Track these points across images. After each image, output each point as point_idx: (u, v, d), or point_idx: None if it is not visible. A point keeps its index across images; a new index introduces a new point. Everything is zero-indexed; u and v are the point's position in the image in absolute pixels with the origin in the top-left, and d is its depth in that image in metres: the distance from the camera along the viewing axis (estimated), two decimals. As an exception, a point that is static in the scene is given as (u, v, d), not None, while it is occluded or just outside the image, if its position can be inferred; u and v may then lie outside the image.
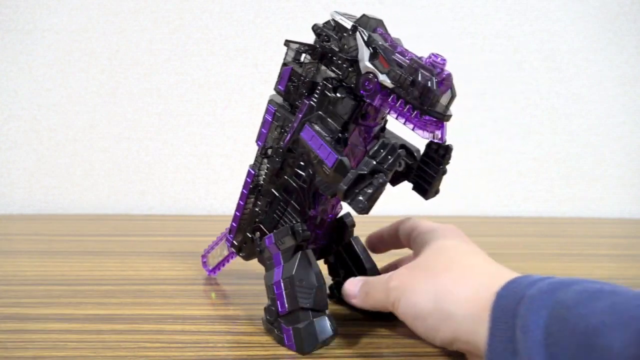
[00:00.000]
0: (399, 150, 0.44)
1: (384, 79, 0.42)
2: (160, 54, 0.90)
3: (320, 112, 0.46)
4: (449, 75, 0.41)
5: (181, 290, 0.59)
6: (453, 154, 0.49)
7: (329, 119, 0.46)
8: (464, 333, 0.39)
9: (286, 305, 0.47)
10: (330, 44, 0.46)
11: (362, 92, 0.43)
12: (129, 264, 0.67)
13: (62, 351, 0.46)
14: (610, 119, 0.97)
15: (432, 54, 0.41)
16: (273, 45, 0.88)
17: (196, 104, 0.91)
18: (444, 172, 0.49)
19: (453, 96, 0.42)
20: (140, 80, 0.90)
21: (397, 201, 0.80)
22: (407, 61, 0.41)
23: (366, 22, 0.44)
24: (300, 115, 0.48)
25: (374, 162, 0.43)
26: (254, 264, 0.54)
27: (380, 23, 0.45)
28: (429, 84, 0.40)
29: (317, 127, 0.46)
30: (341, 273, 0.55)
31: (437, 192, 0.50)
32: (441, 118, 0.41)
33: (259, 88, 0.90)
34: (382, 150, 0.44)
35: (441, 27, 0.92)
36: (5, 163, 0.91)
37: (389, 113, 0.43)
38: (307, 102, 0.47)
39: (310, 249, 0.50)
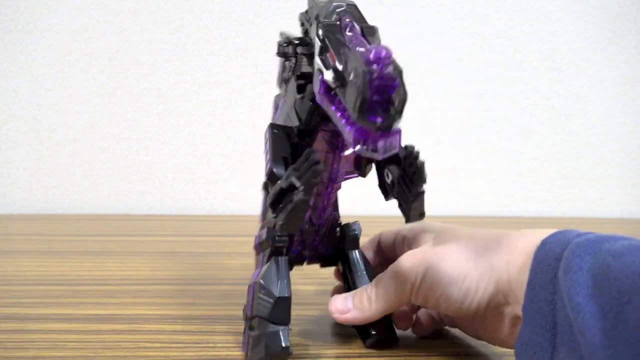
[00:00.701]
0: (317, 166, 0.35)
1: (327, 76, 0.34)
2: (160, 54, 0.90)
3: (287, 113, 0.43)
4: (390, 74, 0.30)
5: (181, 290, 0.59)
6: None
7: (291, 120, 0.42)
8: (506, 283, 0.37)
9: (250, 310, 0.45)
10: (307, 36, 0.41)
11: (314, 91, 0.36)
12: (129, 264, 0.67)
13: (62, 351, 0.46)
14: (610, 119, 0.97)
15: (377, 47, 0.30)
16: (273, 45, 0.88)
17: (196, 104, 0.91)
18: (421, 193, 0.39)
19: (401, 99, 0.31)
20: (140, 80, 0.90)
21: (395, 202, 0.80)
22: (349, 55, 0.33)
23: (328, 9, 0.37)
24: (273, 114, 0.46)
25: (294, 176, 0.37)
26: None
27: (351, 9, 0.38)
28: (358, 84, 0.30)
29: (275, 129, 0.42)
30: (345, 286, 0.51)
31: (421, 214, 0.40)
32: (373, 127, 0.31)
33: (259, 88, 0.90)
34: (304, 163, 0.36)
35: (441, 27, 0.92)
36: (5, 163, 0.91)
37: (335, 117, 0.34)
38: (283, 100, 0.45)
39: (286, 256, 0.45)
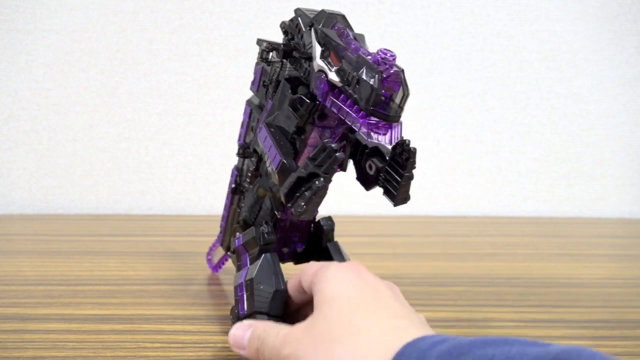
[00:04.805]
0: (337, 154, 0.40)
1: (333, 76, 0.39)
2: (160, 54, 0.90)
3: (278, 113, 0.45)
4: (397, 72, 0.37)
5: (181, 290, 0.59)
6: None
7: (286, 119, 0.44)
8: None
9: (245, 308, 0.46)
10: (294, 41, 0.44)
11: (315, 90, 0.41)
12: (129, 264, 0.67)
13: (62, 351, 0.46)
14: (610, 119, 0.97)
15: (381, 50, 0.37)
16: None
17: (196, 104, 0.91)
18: (410, 177, 0.44)
19: (405, 95, 0.38)
20: (140, 80, 0.90)
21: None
22: (355, 57, 0.38)
23: (322, 18, 0.41)
24: (263, 115, 0.47)
25: (313, 165, 0.41)
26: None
27: (340, 19, 0.42)
28: (372, 82, 0.37)
29: (272, 128, 0.44)
30: None
31: (406, 198, 0.45)
32: (384, 118, 0.38)
33: (259, 88, 0.90)
34: (321, 153, 0.41)
35: (441, 27, 0.92)
36: (5, 163, 0.91)
37: (338, 113, 0.40)
38: (271, 102, 0.46)
39: (275, 252, 0.48)
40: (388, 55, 0.37)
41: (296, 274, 0.46)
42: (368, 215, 0.93)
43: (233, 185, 0.53)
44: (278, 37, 0.49)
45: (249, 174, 0.52)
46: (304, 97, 0.42)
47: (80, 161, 0.92)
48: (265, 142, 0.44)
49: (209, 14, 0.89)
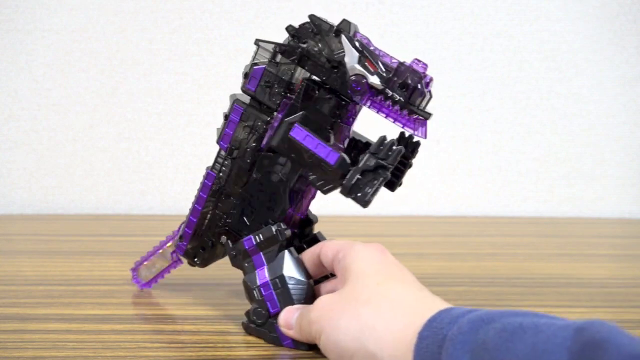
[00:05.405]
0: (399, 147, 0.46)
1: (374, 80, 0.45)
2: (160, 54, 0.90)
3: (305, 112, 0.47)
4: (432, 79, 0.46)
5: (181, 290, 0.59)
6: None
7: (315, 119, 0.47)
8: None
9: (278, 304, 0.47)
10: (307, 45, 0.47)
11: (350, 93, 0.46)
12: (129, 264, 0.67)
13: (62, 351, 0.46)
14: (610, 119, 0.97)
15: (415, 59, 0.45)
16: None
17: (196, 104, 0.91)
18: (410, 165, 0.51)
19: (431, 97, 0.47)
20: (140, 80, 0.90)
21: (395, 202, 0.80)
22: (394, 65, 0.46)
23: (347, 26, 0.47)
24: (280, 115, 0.49)
25: (377, 158, 0.45)
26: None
27: (357, 28, 0.48)
28: (419, 86, 0.45)
29: (308, 127, 0.47)
30: None
31: (401, 184, 0.51)
32: (426, 116, 0.46)
33: (259, 88, 0.90)
34: (382, 147, 0.45)
35: (441, 27, 0.92)
36: (5, 163, 0.91)
37: (377, 112, 0.47)
38: (288, 102, 0.48)
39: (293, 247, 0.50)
40: (420, 64, 0.45)
41: (309, 250, 0.49)
42: (368, 215, 0.93)
43: (214, 189, 0.51)
44: (278, 38, 0.49)
45: (236, 176, 0.50)
46: (335, 97, 0.47)
47: (80, 161, 0.92)
48: (306, 141, 0.47)
49: (209, 14, 0.89)
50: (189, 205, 0.54)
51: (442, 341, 0.35)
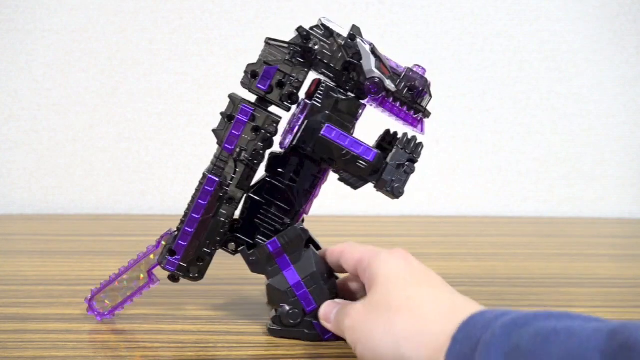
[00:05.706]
0: (421, 141, 0.49)
1: (389, 83, 0.48)
2: (160, 54, 0.90)
3: (328, 112, 0.49)
4: (430, 82, 0.50)
5: (181, 290, 0.59)
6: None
7: (338, 118, 0.49)
8: None
9: (314, 302, 0.48)
10: (321, 47, 0.48)
11: (367, 94, 0.49)
12: (129, 264, 0.67)
13: (62, 351, 0.46)
14: (610, 119, 0.97)
15: (416, 65, 0.49)
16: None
17: (196, 104, 0.91)
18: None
19: (431, 98, 0.51)
20: (140, 80, 0.90)
21: (395, 202, 0.80)
22: (402, 70, 0.49)
23: (359, 31, 0.49)
24: (301, 116, 0.49)
25: (407, 154, 0.49)
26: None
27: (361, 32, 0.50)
28: (425, 89, 0.49)
29: (337, 126, 0.49)
30: None
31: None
32: (428, 115, 0.51)
33: (259, 88, 0.90)
34: (409, 143, 0.49)
35: (441, 27, 0.92)
36: (5, 163, 0.91)
37: (382, 111, 0.50)
38: (309, 103, 0.49)
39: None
40: (420, 69, 0.50)
41: (330, 250, 0.50)
42: (368, 215, 0.93)
43: (220, 194, 0.49)
44: (277, 38, 0.49)
45: (242, 179, 0.49)
46: (355, 98, 0.49)
47: (80, 161, 0.92)
48: (340, 139, 0.48)
49: (209, 14, 0.89)
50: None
51: (476, 345, 0.35)
